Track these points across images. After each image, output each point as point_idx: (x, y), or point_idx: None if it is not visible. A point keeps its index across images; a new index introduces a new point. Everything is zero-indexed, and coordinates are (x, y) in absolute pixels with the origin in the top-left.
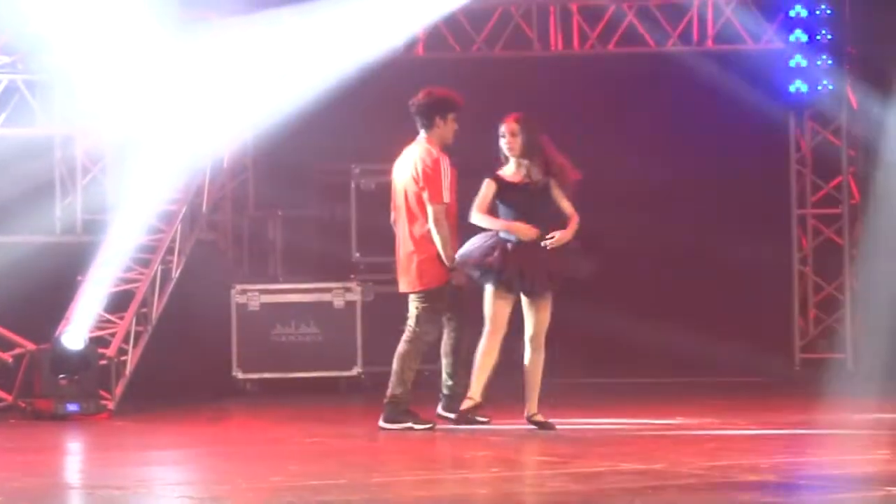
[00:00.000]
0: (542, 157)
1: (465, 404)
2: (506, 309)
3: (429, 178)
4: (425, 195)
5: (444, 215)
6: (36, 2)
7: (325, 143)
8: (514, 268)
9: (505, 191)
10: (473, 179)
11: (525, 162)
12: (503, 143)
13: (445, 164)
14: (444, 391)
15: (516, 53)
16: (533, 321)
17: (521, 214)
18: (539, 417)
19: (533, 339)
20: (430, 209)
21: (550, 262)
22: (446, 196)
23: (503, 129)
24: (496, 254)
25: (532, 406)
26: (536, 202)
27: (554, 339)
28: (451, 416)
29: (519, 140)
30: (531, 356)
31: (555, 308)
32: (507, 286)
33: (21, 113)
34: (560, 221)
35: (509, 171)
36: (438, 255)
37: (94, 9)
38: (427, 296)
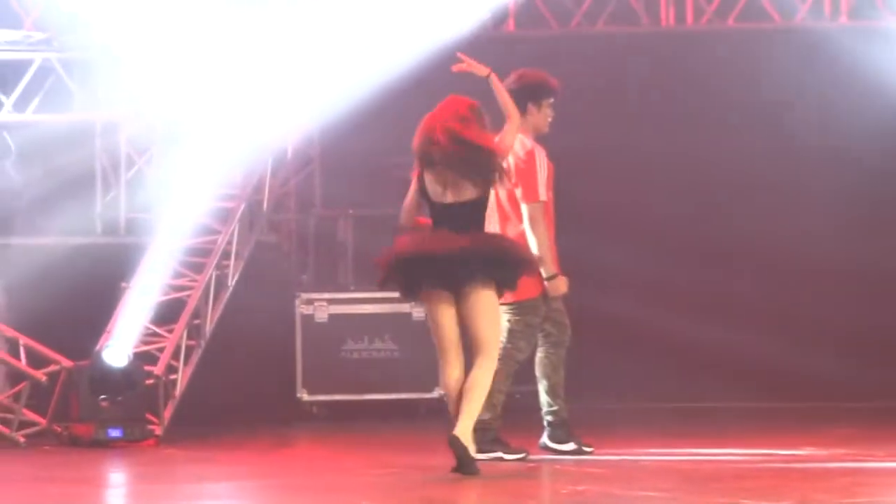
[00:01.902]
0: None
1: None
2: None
3: (522, 173)
4: (519, 192)
5: (541, 215)
6: None
7: (402, 132)
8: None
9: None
10: (573, 173)
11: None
12: None
13: (541, 157)
14: (548, 418)
15: (621, 29)
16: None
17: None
18: (462, 443)
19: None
20: (524, 208)
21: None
22: (543, 193)
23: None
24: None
25: (457, 425)
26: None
27: (651, 358)
28: (562, 447)
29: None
30: (476, 363)
31: (644, 321)
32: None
33: (57, 96)
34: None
35: None
36: (535, 262)
37: None
38: (520, 308)
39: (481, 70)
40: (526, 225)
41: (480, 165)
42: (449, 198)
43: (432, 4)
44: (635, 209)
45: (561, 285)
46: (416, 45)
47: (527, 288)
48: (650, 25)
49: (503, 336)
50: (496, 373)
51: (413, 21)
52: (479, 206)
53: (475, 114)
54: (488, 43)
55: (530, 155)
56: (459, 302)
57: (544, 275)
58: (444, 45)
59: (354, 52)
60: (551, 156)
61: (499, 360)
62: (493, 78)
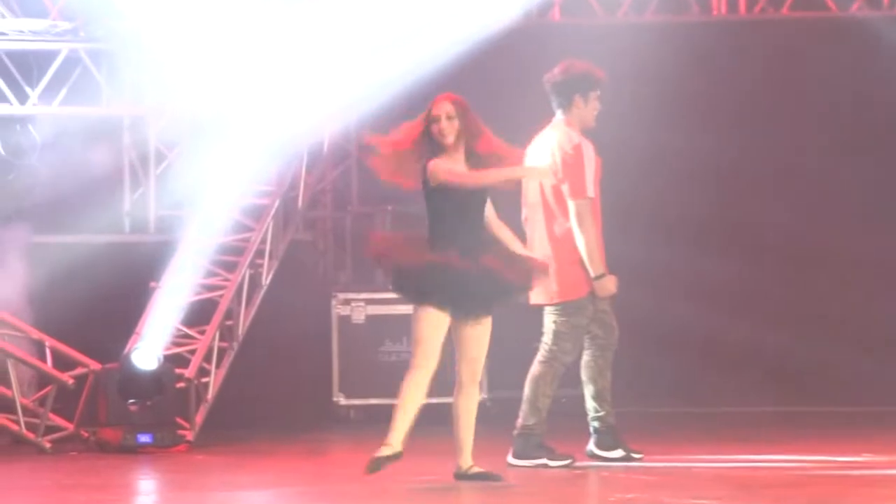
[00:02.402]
0: (481, 146)
1: (382, 451)
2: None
3: (569, 168)
4: (565, 188)
5: (588, 212)
6: None
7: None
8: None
9: (433, 188)
10: (617, 169)
11: (459, 153)
12: (434, 130)
13: (589, 152)
14: (595, 424)
15: (671, 18)
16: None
17: (453, 217)
18: (478, 469)
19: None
20: (571, 205)
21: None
22: (591, 189)
23: (436, 111)
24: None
25: (466, 457)
26: (472, 202)
27: (698, 360)
28: (609, 454)
29: (455, 125)
30: (467, 392)
31: (691, 322)
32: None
33: (84, 89)
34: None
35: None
36: (581, 261)
37: None
38: (566, 308)
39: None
40: (573, 222)
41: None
42: None
43: None
44: (680, 205)
45: (610, 285)
46: (458, 35)
47: (573, 288)
48: (701, 14)
49: (549, 338)
50: (542, 375)
51: (455, 9)
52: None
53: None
54: (532, 32)
55: (577, 149)
56: (463, 323)
57: (592, 274)
58: (486, 34)
59: (394, 43)
60: (598, 150)
61: (544, 362)
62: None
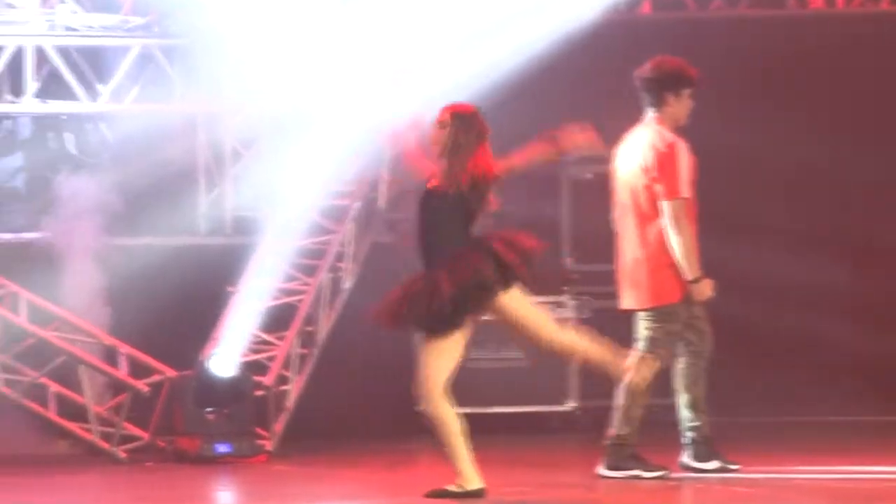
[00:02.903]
0: (468, 165)
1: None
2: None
3: (663, 167)
4: (659, 189)
5: (683, 213)
6: None
7: (528, 123)
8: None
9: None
10: (713, 169)
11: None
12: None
13: (683, 151)
14: (689, 434)
15: (765, 12)
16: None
17: (428, 226)
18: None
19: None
20: (665, 206)
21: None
22: (685, 190)
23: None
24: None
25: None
26: (445, 215)
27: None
28: (704, 465)
29: (445, 134)
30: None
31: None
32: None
33: (157, 86)
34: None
35: None
36: (674, 264)
37: None
38: (660, 314)
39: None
40: (667, 224)
41: None
42: None
43: None
44: (778, 208)
45: (706, 289)
46: (545, 29)
47: (666, 292)
48: (797, 7)
49: (642, 345)
50: (635, 384)
51: (543, 3)
52: None
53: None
54: (621, 26)
55: (671, 148)
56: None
57: (688, 277)
58: (574, 28)
59: (479, 37)
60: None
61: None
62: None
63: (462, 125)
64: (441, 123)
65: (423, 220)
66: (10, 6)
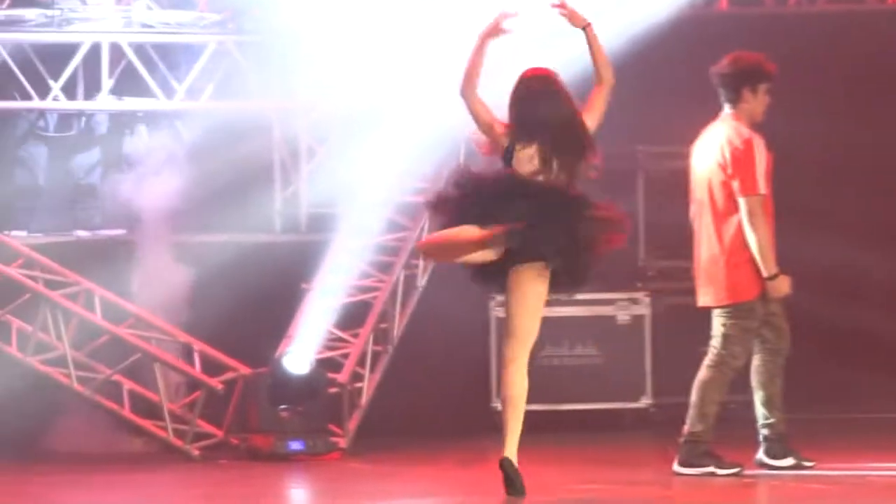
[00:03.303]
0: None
1: None
2: None
3: (740, 163)
4: (736, 185)
5: (760, 209)
6: None
7: (605, 119)
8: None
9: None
10: (791, 165)
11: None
12: None
13: (760, 147)
14: (765, 431)
15: (844, 7)
16: None
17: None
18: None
19: None
20: (742, 202)
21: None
22: (762, 186)
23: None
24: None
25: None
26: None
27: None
28: (779, 463)
29: None
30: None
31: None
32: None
33: (232, 83)
34: None
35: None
36: (752, 261)
37: None
38: (737, 311)
39: (578, 20)
40: (744, 220)
41: None
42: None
43: None
44: (854, 204)
45: (783, 286)
46: (622, 25)
47: (743, 289)
48: (876, 3)
49: (718, 342)
50: (711, 380)
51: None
52: None
53: None
54: (699, 22)
55: (748, 144)
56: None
57: (765, 274)
58: (653, 24)
59: (555, 33)
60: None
61: (713, 367)
62: (589, 30)
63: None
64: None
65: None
66: (86, 3)
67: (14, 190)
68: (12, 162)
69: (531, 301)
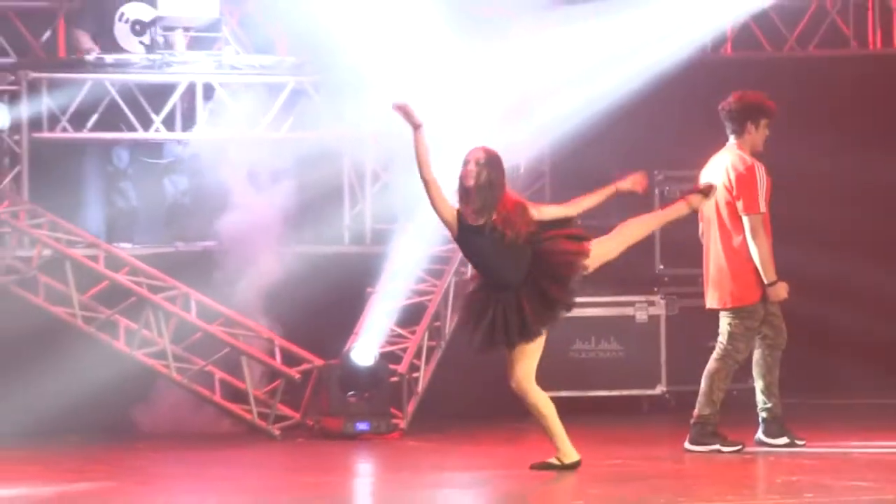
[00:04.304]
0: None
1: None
2: None
3: (743, 186)
4: (740, 205)
5: (761, 225)
6: (321, 0)
7: (626, 147)
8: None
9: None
10: (788, 188)
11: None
12: (461, 172)
13: (761, 172)
14: (763, 415)
15: (832, 52)
16: None
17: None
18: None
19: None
20: (745, 220)
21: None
22: (763, 205)
23: (468, 156)
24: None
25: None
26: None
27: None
28: (775, 441)
29: (483, 173)
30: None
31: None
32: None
33: (308, 116)
34: None
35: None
36: (754, 270)
37: (382, 5)
38: (741, 312)
39: (414, 120)
40: (748, 235)
41: None
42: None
43: (655, 27)
44: (843, 221)
45: (781, 291)
46: (641, 65)
47: (747, 294)
48: (858, 48)
49: (724, 338)
50: (717, 371)
51: (639, 44)
52: None
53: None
54: (708, 65)
55: (750, 169)
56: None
57: (765, 281)
58: (668, 65)
59: (583, 72)
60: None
61: (719, 360)
62: (418, 135)
63: (499, 166)
64: (477, 162)
65: (481, 251)
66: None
67: (119, 209)
68: (115, 187)
69: (529, 348)
